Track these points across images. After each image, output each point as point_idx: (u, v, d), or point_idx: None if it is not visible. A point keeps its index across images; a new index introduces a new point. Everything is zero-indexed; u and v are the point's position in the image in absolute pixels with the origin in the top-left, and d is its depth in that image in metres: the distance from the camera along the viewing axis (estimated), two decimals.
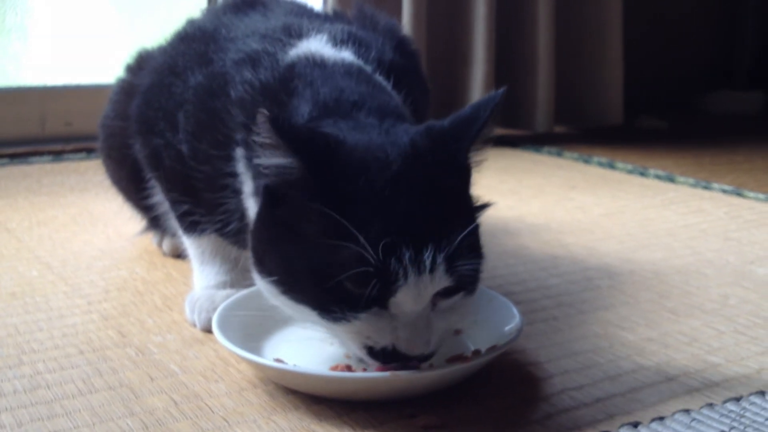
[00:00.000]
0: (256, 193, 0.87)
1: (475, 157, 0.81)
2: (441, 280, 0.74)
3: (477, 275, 0.80)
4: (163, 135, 1.00)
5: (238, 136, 0.90)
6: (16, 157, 2.01)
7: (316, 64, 0.92)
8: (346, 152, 0.76)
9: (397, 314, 0.75)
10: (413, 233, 0.73)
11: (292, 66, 0.92)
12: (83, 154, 2.05)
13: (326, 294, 0.75)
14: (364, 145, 0.77)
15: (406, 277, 0.72)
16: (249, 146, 0.86)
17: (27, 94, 2.15)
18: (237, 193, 0.93)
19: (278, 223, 0.78)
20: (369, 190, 0.74)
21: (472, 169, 0.82)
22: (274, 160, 0.76)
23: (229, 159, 0.92)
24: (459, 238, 0.74)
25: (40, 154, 2.05)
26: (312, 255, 0.74)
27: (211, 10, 1.16)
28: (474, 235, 0.78)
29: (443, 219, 0.75)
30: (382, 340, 0.76)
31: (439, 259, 0.73)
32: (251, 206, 0.90)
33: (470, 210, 0.81)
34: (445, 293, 0.77)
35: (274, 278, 0.78)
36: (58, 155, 2.05)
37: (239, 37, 1.00)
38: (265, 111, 0.73)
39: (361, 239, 0.71)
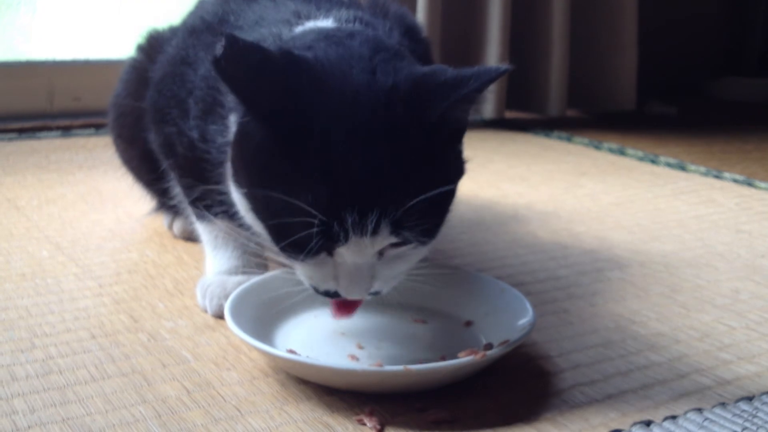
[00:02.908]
0: None
1: (458, 116, 0.79)
2: (385, 240, 0.77)
3: (431, 232, 0.80)
4: (175, 123, 1.00)
5: (232, 103, 0.90)
6: (24, 132, 2.01)
7: (321, 30, 0.91)
8: (314, 89, 0.76)
9: (341, 262, 0.78)
10: (360, 196, 0.73)
11: (294, 37, 0.91)
12: (92, 130, 2.04)
13: (281, 232, 0.78)
14: (337, 85, 0.77)
15: (347, 238, 0.75)
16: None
17: (35, 68, 2.14)
18: None
19: (250, 152, 0.80)
20: (324, 144, 0.74)
21: (460, 129, 0.82)
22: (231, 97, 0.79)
23: (226, 128, 0.92)
24: (410, 204, 0.74)
25: (48, 129, 2.04)
26: (271, 194, 0.76)
27: None
28: (436, 197, 0.76)
29: (398, 182, 0.74)
30: (324, 285, 0.81)
31: (384, 223, 0.74)
32: None
33: (438, 172, 0.78)
34: (395, 245, 0.79)
35: (245, 191, 0.81)
36: (66, 130, 2.05)
37: (249, 24, 0.99)
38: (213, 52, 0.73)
39: (309, 198, 0.73)
